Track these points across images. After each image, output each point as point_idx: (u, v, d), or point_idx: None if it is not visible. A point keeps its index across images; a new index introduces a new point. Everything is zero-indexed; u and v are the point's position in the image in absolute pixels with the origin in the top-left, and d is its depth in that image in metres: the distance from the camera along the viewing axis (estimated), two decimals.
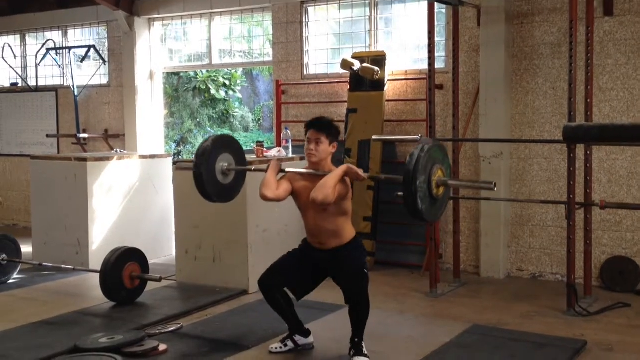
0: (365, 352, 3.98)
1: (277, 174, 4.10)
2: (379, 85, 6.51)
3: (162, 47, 8.66)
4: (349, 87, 6.72)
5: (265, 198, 4.01)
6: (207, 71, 13.14)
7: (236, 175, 4.43)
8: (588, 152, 5.35)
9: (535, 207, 6.08)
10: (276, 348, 4.17)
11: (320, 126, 4.03)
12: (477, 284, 5.95)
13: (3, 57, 9.31)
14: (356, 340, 4.00)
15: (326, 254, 4.04)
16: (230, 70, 13.81)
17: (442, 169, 3.67)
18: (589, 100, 5.28)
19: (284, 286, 4.12)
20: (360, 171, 3.93)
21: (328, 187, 3.79)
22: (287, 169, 4.18)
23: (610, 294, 5.51)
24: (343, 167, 3.91)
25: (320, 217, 3.97)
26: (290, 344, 4.18)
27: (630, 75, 5.67)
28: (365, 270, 3.99)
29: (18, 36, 9.65)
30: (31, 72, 9.40)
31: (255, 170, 4.45)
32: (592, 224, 5.39)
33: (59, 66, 9.12)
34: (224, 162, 4.33)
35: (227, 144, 4.40)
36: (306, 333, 4.24)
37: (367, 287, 3.95)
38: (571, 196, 4.99)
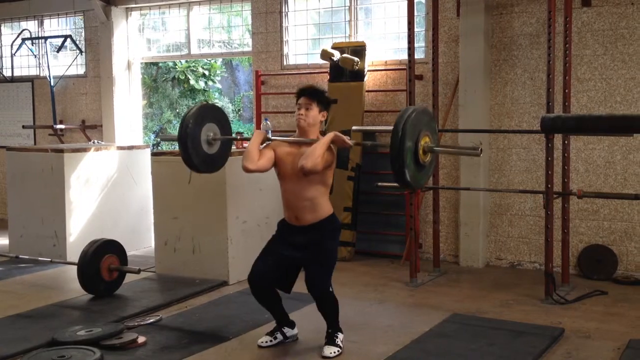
0: (338, 343, 4.00)
1: (260, 143, 4.05)
2: (358, 75, 6.50)
3: (140, 37, 8.56)
4: (328, 77, 6.70)
5: (246, 170, 3.98)
6: (187, 61, 13.04)
7: (221, 145, 4.41)
8: (566, 142, 5.39)
9: (513, 196, 6.12)
10: (265, 342, 4.13)
11: (312, 93, 4.03)
12: (456, 273, 5.98)
13: None
14: (330, 331, 4.04)
15: (301, 232, 3.99)
16: (210, 61, 13.71)
17: (429, 135, 3.67)
18: (567, 91, 5.33)
19: (274, 285, 4.09)
20: (346, 138, 3.94)
21: (316, 155, 3.78)
22: (272, 138, 4.13)
23: (587, 281, 5.57)
24: (330, 135, 3.91)
25: (300, 185, 3.93)
26: (279, 336, 4.16)
27: (608, 66, 5.72)
28: (330, 264, 4.01)
29: None
30: (6, 62, 9.25)
31: (240, 139, 4.40)
32: (570, 212, 5.45)
33: (35, 56, 8.98)
34: (209, 131, 4.31)
35: (212, 113, 4.38)
36: (292, 324, 4.23)
37: (328, 285, 3.97)
38: (549, 185, 5.03)
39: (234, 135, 4.81)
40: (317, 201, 3.96)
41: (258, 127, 6.97)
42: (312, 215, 3.97)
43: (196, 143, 4.23)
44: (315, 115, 3.99)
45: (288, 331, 4.19)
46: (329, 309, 4.04)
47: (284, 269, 4.06)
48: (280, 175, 4.06)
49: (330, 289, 4.00)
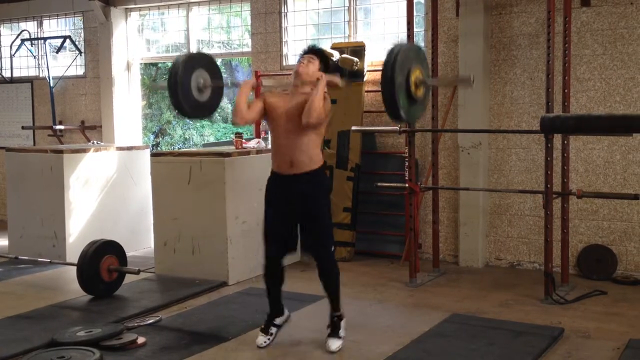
0: (341, 334, 4.05)
1: (249, 94, 4.06)
2: (358, 75, 6.50)
3: (139, 38, 8.57)
4: None
5: (235, 124, 4.05)
6: None
7: (212, 92, 4.39)
8: (565, 142, 5.39)
9: (513, 196, 6.12)
10: (264, 342, 4.13)
11: (316, 51, 4.13)
12: (456, 273, 5.98)
13: None
14: (334, 318, 4.08)
15: (294, 183, 3.98)
16: None
17: (421, 69, 3.67)
18: (566, 91, 5.33)
19: (285, 253, 4.11)
20: (336, 79, 4.02)
21: (317, 107, 3.83)
22: (264, 83, 4.15)
23: (587, 281, 5.57)
24: (322, 82, 3.94)
25: (294, 127, 3.93)
26: (273, 330, 4.17)
27: (607, 66, 5.72)
28: (328, 226, 4.05)
29: None
30: (6, 63, 9.24)
31: (231, 86, 4.36)
32: (569, 212, 5.45)
33: (34, 57, 8.99)
34: (199, 78, 4.28)
35: (202, 61, 4.36)
36: (282, 310, 4.24)
37: (329, 250, 4.01)
38: (548, 185, 5.03)
39: (232, 136, 4.79)
40: (311, 143, 3.96)
41: (258, 127, 6.95)
42: (305, 158, 3.95)
43: (186, 89, 4.20)
44: (315, 69, 4.04)
45: (279, 320, 4.20)
46: (329, 276, 4.05)
47: (286, 242, 4.10)
48: (273, 121, 4.06)
49: (332, 249, 4.04)
